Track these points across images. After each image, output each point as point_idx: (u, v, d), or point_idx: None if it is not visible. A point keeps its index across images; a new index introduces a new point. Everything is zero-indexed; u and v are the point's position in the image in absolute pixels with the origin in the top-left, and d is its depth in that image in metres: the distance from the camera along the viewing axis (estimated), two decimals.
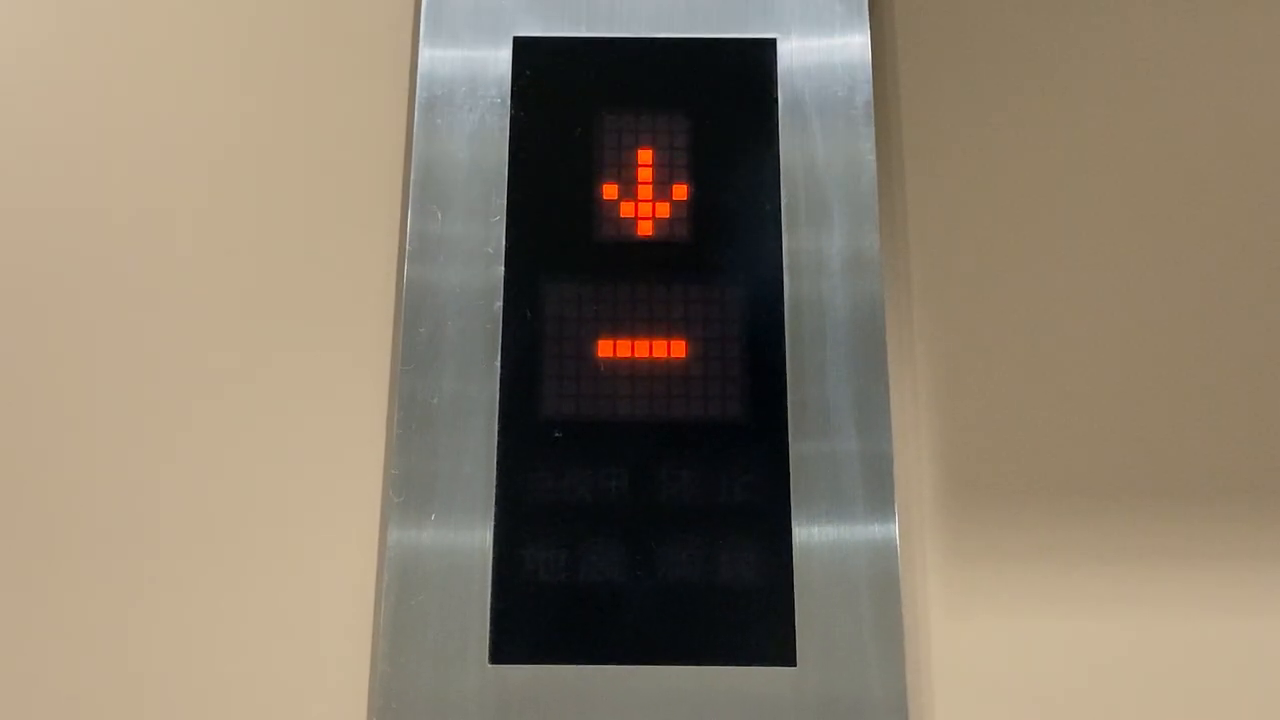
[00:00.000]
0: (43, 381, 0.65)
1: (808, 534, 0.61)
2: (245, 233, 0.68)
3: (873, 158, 0.66)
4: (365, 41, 0.71)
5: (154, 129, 0.70)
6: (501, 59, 0.68)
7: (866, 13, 0.69)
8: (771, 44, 0.68)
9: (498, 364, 0.63)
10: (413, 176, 0.66)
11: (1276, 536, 0.64)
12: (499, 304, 0.64)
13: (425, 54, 0.68)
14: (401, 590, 0.60)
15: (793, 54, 0.68)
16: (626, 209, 0.66)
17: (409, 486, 0.61)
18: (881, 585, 0.60)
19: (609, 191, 0.66)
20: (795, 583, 0.60)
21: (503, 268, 0.65)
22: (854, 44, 0.68)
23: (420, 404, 0.63)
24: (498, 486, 0.61)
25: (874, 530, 0.61)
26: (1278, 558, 0.63)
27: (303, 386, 0.65)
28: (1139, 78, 0.71)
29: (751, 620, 0.60)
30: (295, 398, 0.65)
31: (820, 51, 0.68)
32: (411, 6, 0.72)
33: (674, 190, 0.66)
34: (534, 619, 0.60)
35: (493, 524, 0.61)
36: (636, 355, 0.64)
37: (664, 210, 0.66)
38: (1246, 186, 0.69)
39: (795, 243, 0.65)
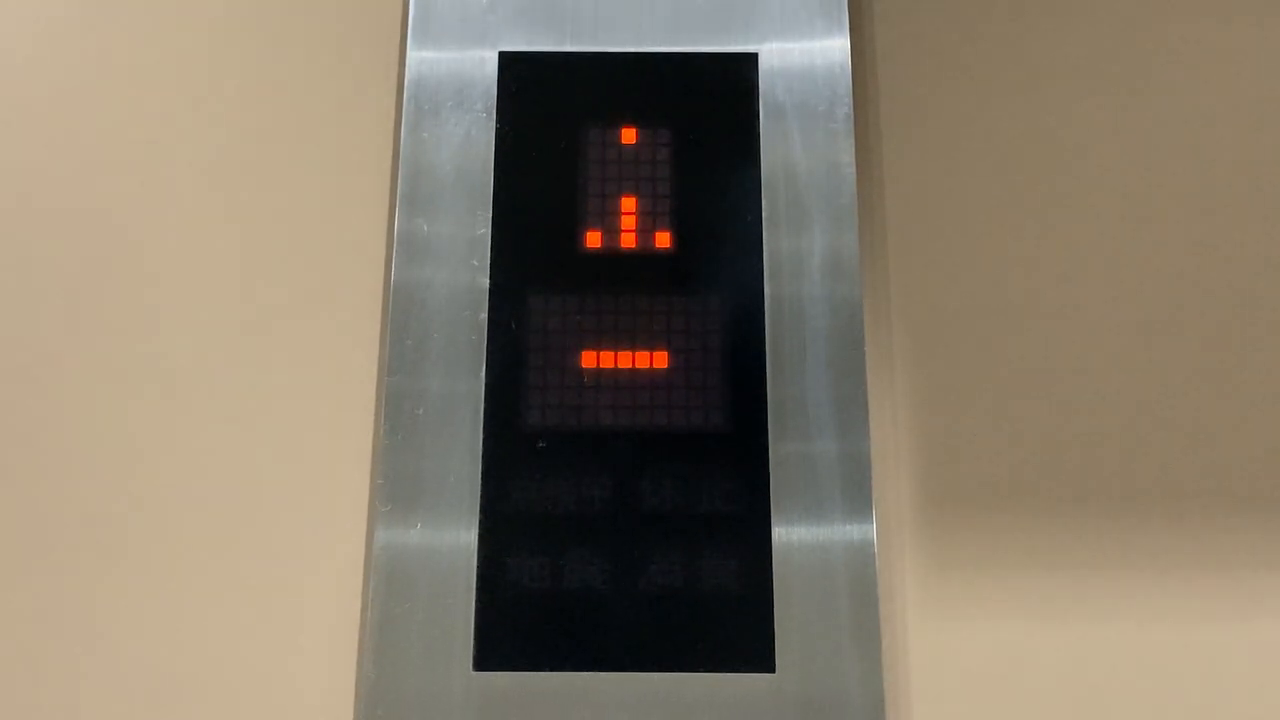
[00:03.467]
0: (28, 386, 0.66)
1: (787, 538, 0.62)
2: (232, 239, 0.69)
3: (853, 170, 0.67)
4: (353, 52, 0.72)
5: (141, 134, 0.70)
6: (488, 72, 0.69)
7: (847, 25, 0.70)
8: (753, 58, 0.69)
9: (483, 374, 0.64)
10: (400, 188, 0.67)
11: (1258, 542, 0.64)
12: (484, 314, 0.65)
13: (412, 66, 0.69)
14: (387, 597, 0.61)
15: (774, 67, 0.69)
16: (610, 221, 0.67)
17: (395, 495, 0.62)
18: (859, 589, 0.61)
19: (593, 202, 0.67)
20: (774, 588, 0.61)
21: (488, 279, 0.65)
22: (834, 57, 0.69)
23: (406, 413, 0.63)
24: (483, 495, 0.62)
25: (852, 533, 0.62)
26: (1258, 563, 0.64)
27: (289, 394, 0.66)
28: (1119, 82, 0.72)
29: (732, 626, 0.60)
30: (281, 406, 0.66)
31: (801, 64, 0.69)
32: (399, 18, 0.72)
33: (657, 202, 0.67)
34: (518, 626, 0.60)
35: (477, 532, 0.61)
36: (620, 365, 0.64)
37: (647, 221, 0.67)
38: (1231, 187, 0.70)
39: (776, 253, 0.66)
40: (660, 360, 0.64)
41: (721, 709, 0.59)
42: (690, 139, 0.68)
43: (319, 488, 0.64)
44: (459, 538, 0.61)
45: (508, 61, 0.69)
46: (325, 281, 0.68)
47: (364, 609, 0.62)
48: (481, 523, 0.62)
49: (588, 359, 0.64)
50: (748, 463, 0.63)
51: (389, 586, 0.61)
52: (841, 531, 0.62)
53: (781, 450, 0.63)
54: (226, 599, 0.63)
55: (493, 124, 0.68)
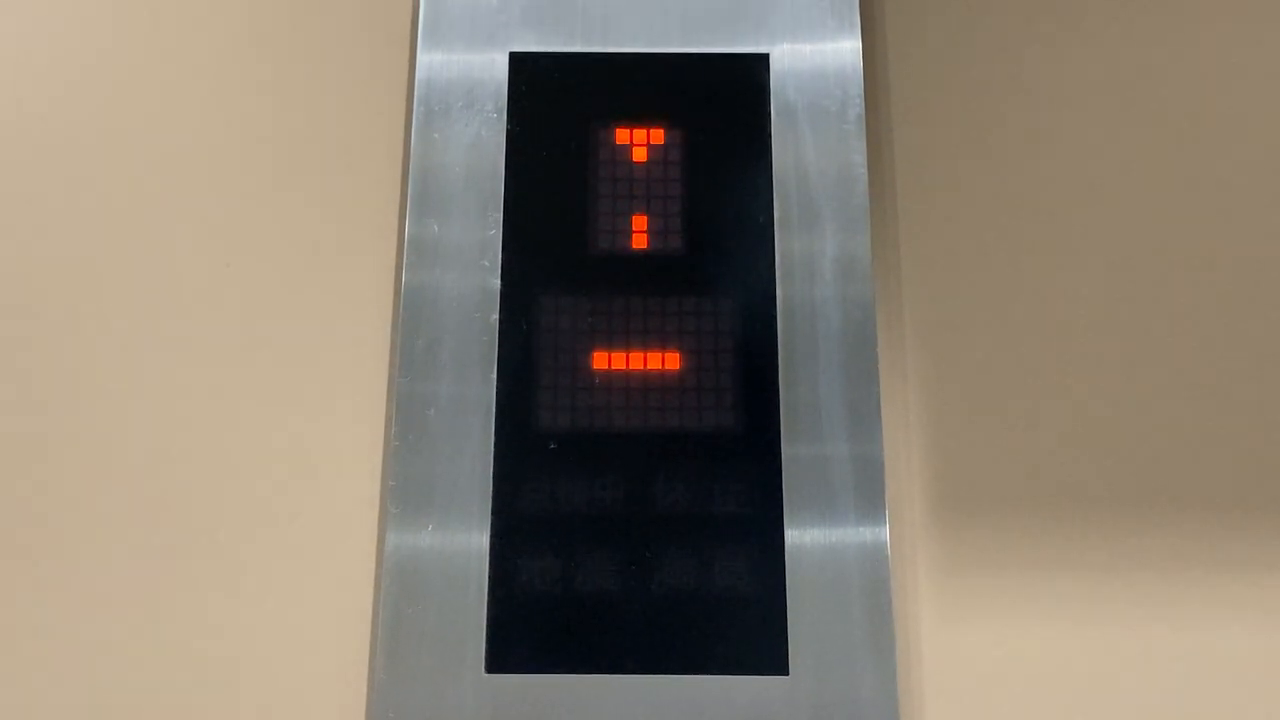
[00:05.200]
0: (39, 387, 0.66)
1: (800, 541, 0.61)
2: (241, 241, 0.69)
3: (865, 171, 0.67)
4: (363, 53, 0.72)
5: (152, 135, 0.70)
6: (498, 73, 0.69)
7: (858, 25, 0.70)
8: (764, 58, 0.69)
9: (494, 375, 0.64)
10: (410, 189, 0.67)
11: (1273, 544, 0.64)
12: (495, 316, 0.65)
13: (423, 67, 0.69)
14: (399, 599, 0.60)
15: (785, 68, 0.69)
16: (621, 222, 0.66)
17: (406, 497, 0.62)
18: (873, 591, 0.61)
19: (604, 203, 0.67)
20: (788, 590, 0.61)
21: (499, 280, 0.65)
22: (846, 57, 0.69)
23: (417, 415, 0.63)
24: (494, 497, 0.62)
25: (865, 535, 0.62)
26: (1271, 566, 0.64)
27: (300, 397, 0.66)
28: (1130, 84, 0.72)
29: (745, 629, 0.60)
30: (292, 408, 0.66)
31: (812, 65, 0.69)
32: (409, 19, 0.72)
33: (668, 203, 0.67)
34: (530, 628, 0.60)
35: (489, 534, 0.61)
36: (631, 367, 0.64)
37: (659, 223, 0.66)
38: (1242, 192, 0.70)
39: (788, 255, 0.66)
40: (672, 362, 0.64)
41: (735, 712, 0.59)
42: (702, 140, 0.67)
43: (330, 490, 0.64)
44: (471, 540, 0.61)
45: (518, 62, 0.69)
46: (336, 283, 0.68)
47: (375, 611, 0.62)
48: (493, 524, 0.62)
49: (599, 360, 0.64)
50: (760, 465, 0.62)
51: (400, 589, 0.61)
52: (854, 534, 0.61)
53: (794, 452, 0.63)
54: (237, 601, 0.63)
55: (503, 125, 0.68)
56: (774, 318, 0.65)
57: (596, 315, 0.65)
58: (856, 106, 0.68)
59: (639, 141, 0.68)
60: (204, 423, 0.65)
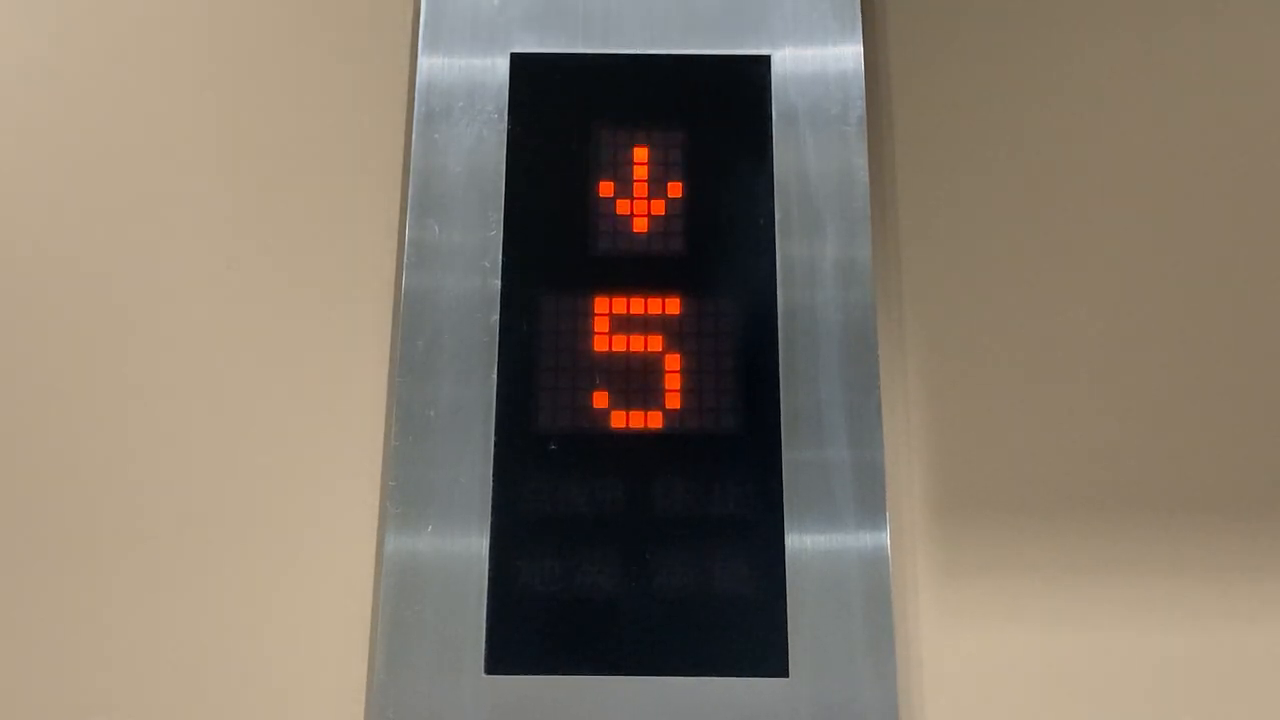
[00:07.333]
0: (38, 389, 0.66)
1: (800, 544, 0.61)
2: (242, 242, 0.69)
3: (865, 174, 0.67)
4: (365, 54, 0.72)
5: (154, 137, 0.70)
6: (499, 74, 0.69)
7: (860, 28, 0.70)
8: (765, 60, 0.69)
9: (494, 376, 0.64)
10: (411, 189, 0.67)
11: (1267, 548, 0.64)
12: (496, 316, 0.65)
13: (424, 68, 0.69)
14: (398, 600, 0.60)
15: (787, 70, 0.69)
16: (622, 222, 0.66)
17: (406, 497, 0.62)
18: (873, 595, 0.61)
19: (605, 205, 0.67)
20: (788, 593, 0.61)
21: (500, 280, 0.65)
22: (847, 59, 0.69)
23: (418, 415, 0.63)
24: (494, 498, 0.62)
25: (865, 539, 0.62)
26: (1268, 569, 0.64)
27: (300, 398, 0.66)
28: (1131, 88, 0.72)
29: (745, 631, 0.60)
30: (292, 409, 0.66)
31: (814, 67, 0.69)
32: (411, 20, 0.72)
33: (669, 204, 0.67)
34: (529, 630, 0.60)
35: (489, 535, 0.61)
36: (632, 368, 0.64)
37: (659, 224, 0.66)
38: (1241, 197, 0.70)
39: (789, 255, 0.66)
40: (672, 364, 0.64)
41: (735, 714, 0.59)
42: (703, 141, 0.67)
43: (330, 491, 0.64)
44: (470, 541, 0.61)
45: (519, 63, 0.69)
46: (336, 284, 0.68)
47: (375, 612, 0.62)
48: (493, 526, 0.61)
49: (600, 362, 0.64)
50: (761, 468, 0.62)
51: (400, 590, 0.61)
52: (855, 538, 0.61)
53: (794, 456, 0.63)
54: (237, 602, 0.63)
55: (504, 126, 0.68)
56: (775, 321, 0.65)
57: (597, 317, 0.65)
58: (858, 109, 0.68)
59: (640, 143, 0.68)
60: (204, 423, 0.65)
